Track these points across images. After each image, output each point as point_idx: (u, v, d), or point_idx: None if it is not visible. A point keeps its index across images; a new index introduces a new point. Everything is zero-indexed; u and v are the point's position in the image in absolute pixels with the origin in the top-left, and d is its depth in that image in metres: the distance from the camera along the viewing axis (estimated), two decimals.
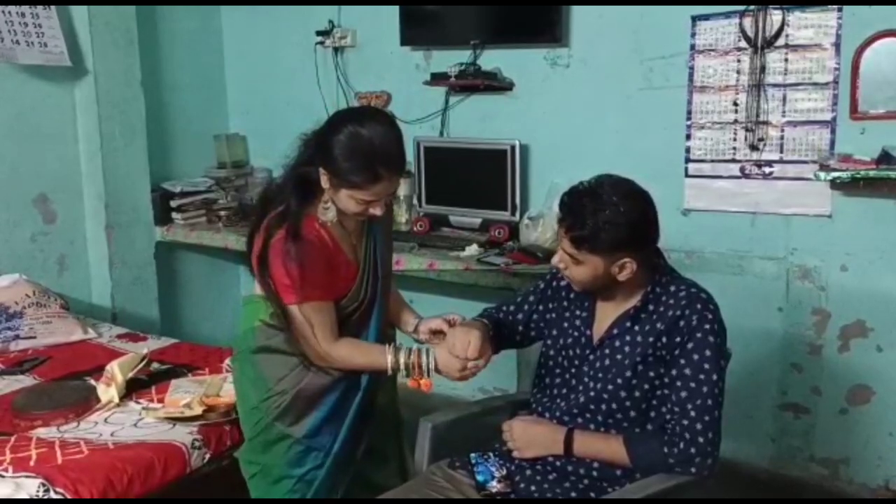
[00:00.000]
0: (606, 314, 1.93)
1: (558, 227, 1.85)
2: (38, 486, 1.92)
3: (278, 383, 1.98)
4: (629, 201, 1.78)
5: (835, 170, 2.80)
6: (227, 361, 2.69)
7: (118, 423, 2.33)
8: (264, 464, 2.04)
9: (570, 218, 1.80)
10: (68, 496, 1.90)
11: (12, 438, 2.21)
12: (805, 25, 2.93)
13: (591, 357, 1.92)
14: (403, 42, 3.77)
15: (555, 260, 1.89)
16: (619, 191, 1.79)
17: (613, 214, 1.75)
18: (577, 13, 3.38)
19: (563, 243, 1.84)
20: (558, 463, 1.90)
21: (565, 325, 2.02)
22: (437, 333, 2.11)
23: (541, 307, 2.10)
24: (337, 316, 1.98)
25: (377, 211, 1.94)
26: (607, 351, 1.89)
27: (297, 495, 2.02)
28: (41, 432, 2.26)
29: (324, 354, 1.95)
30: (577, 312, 2.00)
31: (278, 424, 1.99)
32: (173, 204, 4.10)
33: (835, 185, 2.87)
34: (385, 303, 2.11)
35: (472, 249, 3.33)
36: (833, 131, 2.93)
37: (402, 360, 1.96)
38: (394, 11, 3.75)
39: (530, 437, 1.92)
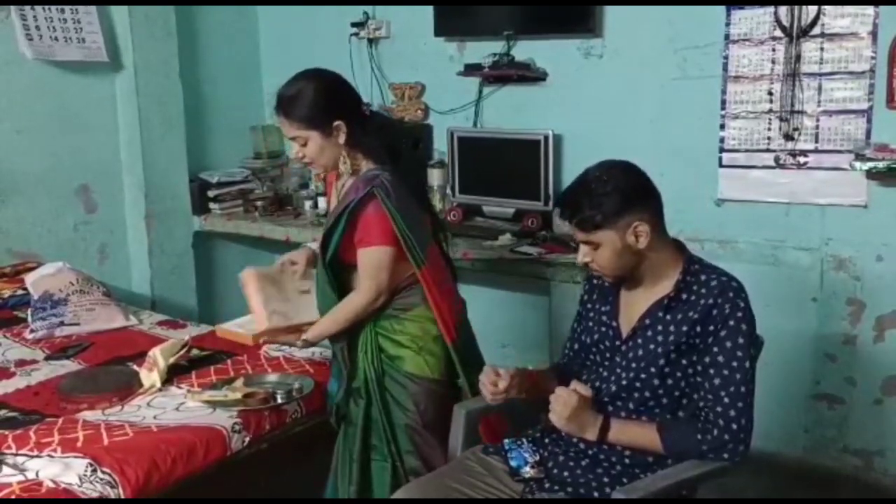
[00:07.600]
0: (634, 303, 1.95)
1: (569, 226, 1.92)
2: (86, 466, 1.97)
3: None
4: (611, 171, 1.87)
5: (871, 159, 2.78)
6: (265, 350, 2.77)
7: (160, 406, 2.38)
8: None
9: (569, 208, 1.87)
10: (115, 476, 1.95)
11: (59, 421, 2.27)
12: (841, 14, 2.90)
13: (623, 348, 1.94)
14: (437, 33, 3.79)
15: (578, 258, 1.93)
16: (600, 168, 1.89)
17: (600, 185, 1.83)
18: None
19: (576, 236, 1.90)
20: (591, 451, 1.92)
21: (590, 323, 2.05)
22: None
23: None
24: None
25: (298, 154, 2.26)
26: (640, 341, 1.90)
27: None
28: (87, 415, 2.32)
29: None
30: (601, 308, 2.03)
31: None
32: (211, 194, 4.17)
33: (871, 174, 2.85)
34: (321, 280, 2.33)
35: (506, 239, 3.35)
36: (869, 120, 2.90)
37: None
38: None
39: (574, 412, 1.86)
